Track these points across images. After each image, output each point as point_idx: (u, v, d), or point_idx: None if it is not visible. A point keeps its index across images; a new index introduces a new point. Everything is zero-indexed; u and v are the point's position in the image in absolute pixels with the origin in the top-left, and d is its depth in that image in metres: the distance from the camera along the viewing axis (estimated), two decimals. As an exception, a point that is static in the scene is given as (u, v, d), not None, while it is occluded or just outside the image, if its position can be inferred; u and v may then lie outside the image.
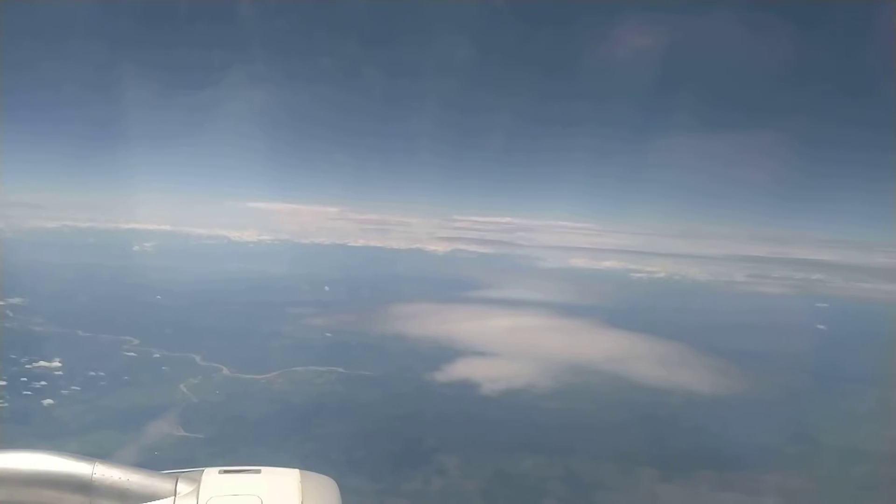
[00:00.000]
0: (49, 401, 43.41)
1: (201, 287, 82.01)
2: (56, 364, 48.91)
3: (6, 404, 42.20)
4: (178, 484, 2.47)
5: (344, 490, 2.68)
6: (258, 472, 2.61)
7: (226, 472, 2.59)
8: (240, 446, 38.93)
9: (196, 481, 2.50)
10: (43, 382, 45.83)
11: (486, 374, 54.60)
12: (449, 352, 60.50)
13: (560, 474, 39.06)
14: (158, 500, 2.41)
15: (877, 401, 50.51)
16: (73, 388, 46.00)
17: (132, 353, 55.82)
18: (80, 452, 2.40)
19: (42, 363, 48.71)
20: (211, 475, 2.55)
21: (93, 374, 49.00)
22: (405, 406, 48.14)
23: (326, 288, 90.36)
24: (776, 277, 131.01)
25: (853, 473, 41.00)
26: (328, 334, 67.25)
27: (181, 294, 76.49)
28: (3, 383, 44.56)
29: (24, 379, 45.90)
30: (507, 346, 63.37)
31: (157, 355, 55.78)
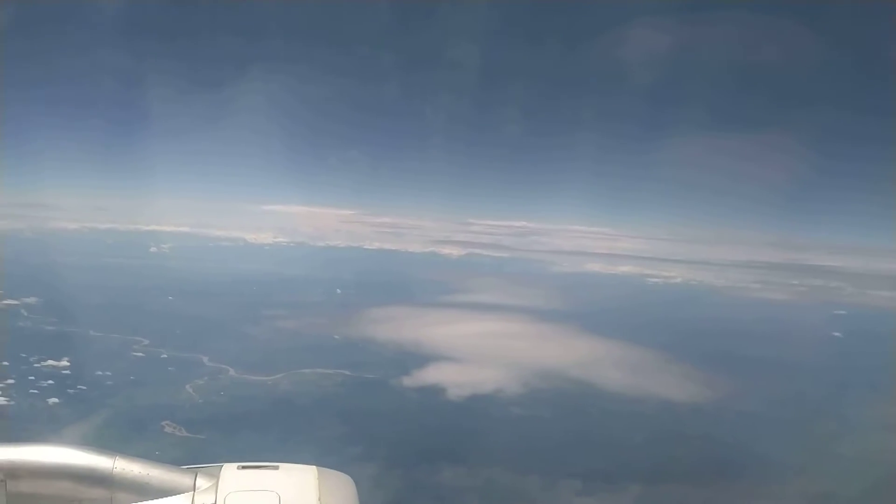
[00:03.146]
0: (54, 399, 44.01)
1: (214, 288, 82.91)
2: (64, 363, 49.58)
3: (12, 402, 42.89)
4: (198, 479, 2.51)
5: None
6: (276, 468, 2.63)
7: (244, 467, 2.62)
8: (241, 447, 38.99)
9: (215, 476, 2.53)
10: (50, 381, 46.47)
11: (459, 379, 54.23)
12: (438, 357, 60.06)
13: (478, 485, 38.02)
14: (178, 494, 2.44)
15: (879, 410, 49.22)
16: (80, 387, 46.55)
17: (140, 354, 56.44)
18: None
19: (51, 362, 49.41)
20: (230, 471, 2.58)
21: (100, 373, 49.57)
22: (373, 410, 48.00)
23: (338, 291, 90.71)
24: (794, 284, 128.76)
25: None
26: (336, 337, 67.47)
27: (193, 295, 77.35)
28: (11, 381, 45.30)
29: (32, 377, 46.62)
30: (488, 351, 62.90)
31: (165, 356, 56.35)
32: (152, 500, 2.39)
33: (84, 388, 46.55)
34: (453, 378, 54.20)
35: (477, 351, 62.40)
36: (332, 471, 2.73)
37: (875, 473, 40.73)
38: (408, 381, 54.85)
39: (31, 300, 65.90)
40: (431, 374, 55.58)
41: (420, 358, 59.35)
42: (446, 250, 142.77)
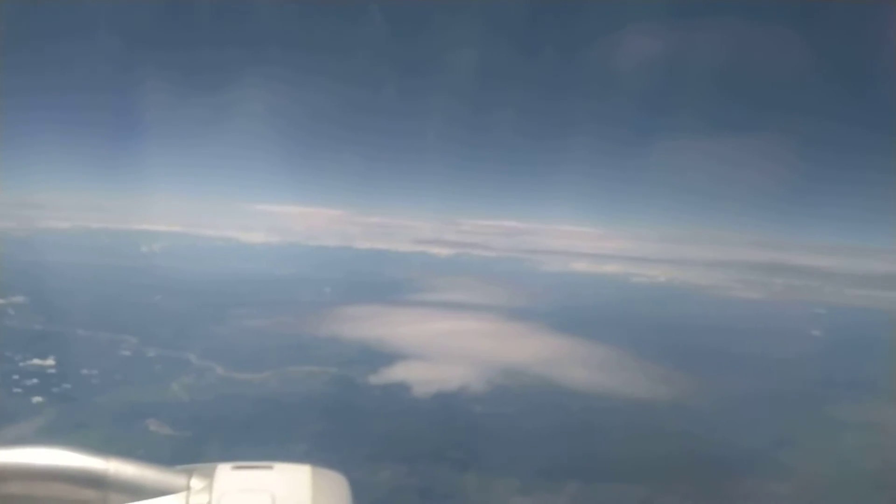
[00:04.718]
0: (38, 398, 44.12)
1: (204, 287, 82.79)
2: (50, 362, 49.61)
3: (-6, 401, 43.00)
4: (192, 479, 2.47)
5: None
6: (270, 467, 2.60)
7: (238, 467, 2.59)
8: (226, 445, 39.25)
9: (209, 477, 2.50)
10: (35, 380, 46.56)
11: (423, 376, 54.50)
12: (420, 356, 60.24)
13: (415, 484, 37.87)
14: (172, 494, 2.43)
15: (855, 408, 49.69)
16: (65, 385, 46.65)
17: (127, 352, 56.55)
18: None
19: (36, 361, 49.42)
20: (224, 471, 2.54)
21: (86, 372, 49.56)
22: (355, 408, 48.45)
23: (327, 290, 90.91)
24: (775, 283, 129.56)
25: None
26: (324, 335, 67.71)
27: (183, 294, 77.35)
28: (-5, 381, 45.39)
29: (16, 377, 46.68)
30: (467, 350, 62.95)
31: (152, 354, 56.46)
32: (147, 500, 2.39)
33: (69, 386, 46.65)
34: (427, 376, 54.64)
35: (456, 349, 62.85)
36: (325, 470, 2.69)
37: (849, 472, 41.25)
38: (391, 379, 55.23)
39: (19, 299, 65.85)
40: (415, 372, 55.98)
41: (408, 356, 59.70)
42: (436, 250, 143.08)
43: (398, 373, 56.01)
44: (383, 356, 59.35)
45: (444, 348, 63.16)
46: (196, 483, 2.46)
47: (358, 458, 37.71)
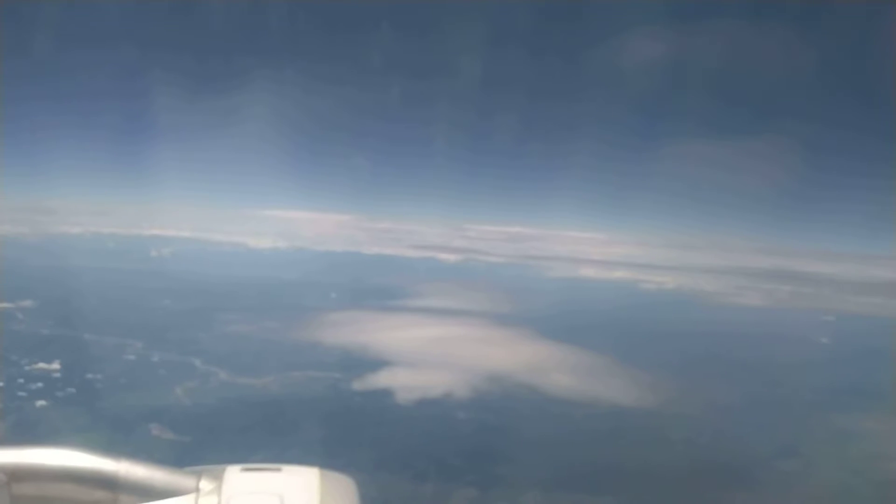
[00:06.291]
0: (42, 402, 44.48)
1: (211, 292, 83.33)
2: (55, 366, 50.03)
3: (-1, 405, 43.42)
4: (201, 481, 2.50)
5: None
6: (279, 470, 2.62)
7: (247, 469, 2.62)
8: (226, 449, 39.43)
9: (218, 479, 2.52)
10: (39, 384, 46.95)
11: (427, 383, 54.28)
12: (416, 363, 60.10)
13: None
14: (182, 496, 2.45)
15: (861, 417, 48.97)
16: (69, 390, 47.01)
17: (132, 357, 56.93)
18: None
19: (41, 365, 49.89)
20: (233, 473, 2.57)
21: (90, 376, 50.05)
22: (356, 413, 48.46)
23: (333, 295, 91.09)
24: (783, 289, 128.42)
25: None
26: (325, 340, 67.85)
27: (190, 298, 77.84)
28: (0, 384, 45.78)
29: (21, 380, 47.08)
30: (462, 356, 62.73)
31: (157, 359, 56.84)
32: (156, 502, 2.42)
33: (73, 390, 47.04)
34: (430, 382, 54.51)
35: (462, 357, 62.65)
36: (333, 472, 2.70)
37: (856, 482, 40.67)
38: (395, 384, 55.06)
39: (27, 303, 66.44)
40: (419, 380, 55.80)
41: (413, 363, 59.70)
42: (442, 255, 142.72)
43: (402, 379, 55.96)
44: (389, 362, 59.31)
45: (449, 356, 63.00)
46: (205, 485, 2.47)
47: (364, 465, 37.82)
